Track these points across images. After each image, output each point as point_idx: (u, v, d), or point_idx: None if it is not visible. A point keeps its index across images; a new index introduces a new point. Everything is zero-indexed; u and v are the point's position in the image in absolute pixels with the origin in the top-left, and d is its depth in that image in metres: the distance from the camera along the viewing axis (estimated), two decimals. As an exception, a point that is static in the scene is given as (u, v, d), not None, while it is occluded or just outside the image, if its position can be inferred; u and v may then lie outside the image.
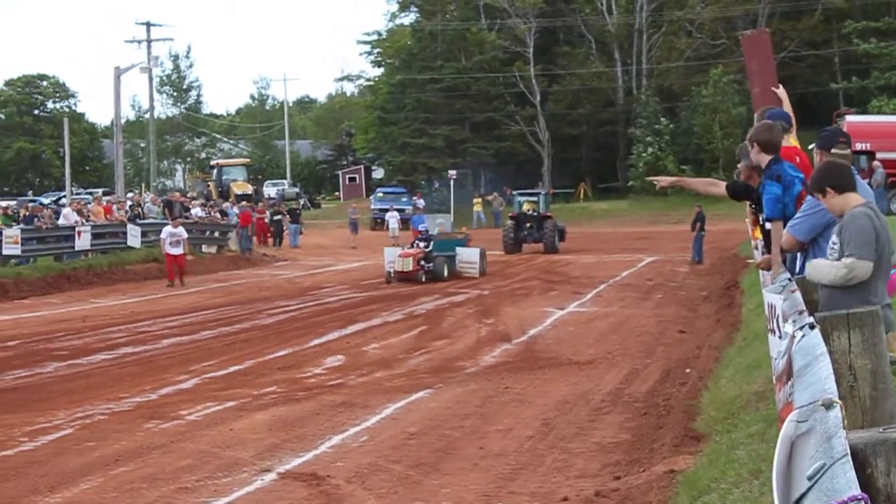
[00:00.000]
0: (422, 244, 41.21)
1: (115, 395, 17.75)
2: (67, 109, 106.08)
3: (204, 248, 52.69)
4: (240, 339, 24.94)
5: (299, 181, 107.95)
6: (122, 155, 65.58)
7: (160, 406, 16.84)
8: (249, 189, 79.79)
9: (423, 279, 39.43)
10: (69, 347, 23.80)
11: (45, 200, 62.93)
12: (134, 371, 20.47)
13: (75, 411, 16.38)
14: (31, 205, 48.63)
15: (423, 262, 40.06)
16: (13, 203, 50.05)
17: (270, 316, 29.63)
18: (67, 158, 64.89)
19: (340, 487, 11.93)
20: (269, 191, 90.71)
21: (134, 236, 46.07)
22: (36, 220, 42.50)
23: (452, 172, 50.23)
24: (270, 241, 61.63)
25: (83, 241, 43.25)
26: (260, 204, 69.17)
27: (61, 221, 43.62)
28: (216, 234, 54.84)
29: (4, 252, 39.15)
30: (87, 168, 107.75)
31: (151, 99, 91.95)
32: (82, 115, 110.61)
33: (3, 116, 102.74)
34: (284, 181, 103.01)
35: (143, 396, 17.74)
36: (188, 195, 69.76)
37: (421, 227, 44.63)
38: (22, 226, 41.05)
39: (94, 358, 22.16)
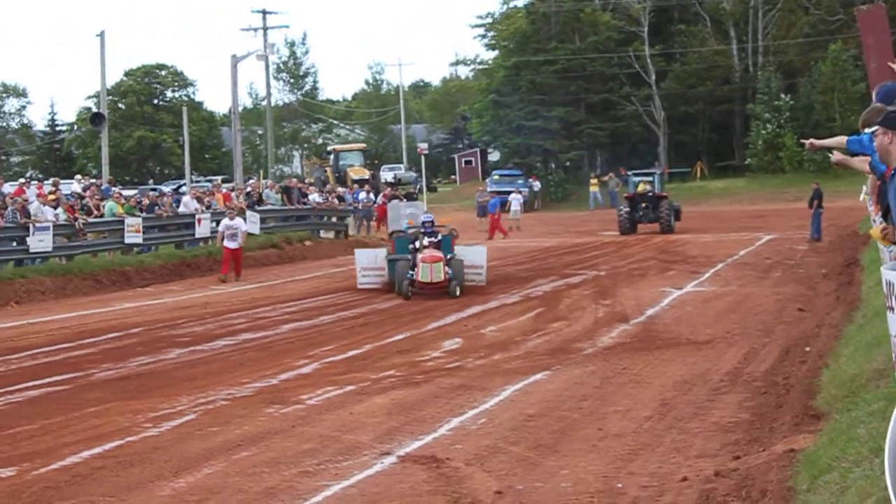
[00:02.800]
0: (426, 239, 30.48)
1: (236, 381, 17.99)
2: (186, 98, 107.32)
3: (322, 234, 53.07)
4: (358, 323, 25.14)
5: (416, 165, 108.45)
6: (241, 142, 66.17)
7: (281, 391, 17.04)
8: (366, 174, 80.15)
9: (458, 292, 29.52)
10: (191, 334, 24.15)
11: (166, 189, 63.76)
12: (254, 356, 20.72)
13: (198, 397, 16.63)
14: (151, 193, 49.30)
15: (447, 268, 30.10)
16: (135, 192, 50.78)
17: (388, 301, 29.78)
18: (187, 147, 65.65)
19: (460, 470, 12.00)
20: (386, 175, 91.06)
21: (253, 223, 46.44)
22: (157, 208, 43.08)
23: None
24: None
25: (203, 229, 43.73)
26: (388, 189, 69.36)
27: (181, 209, 44.15)
28: (334, 219, 55.18)
29: (127, 241, 39.76)
30: (207, 156, 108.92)
31: (268, 86, 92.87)
32: (200, 103, 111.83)
33: (123, 106, 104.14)
34: (401, 165, 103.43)
35: (264, 381, 17.96)
36: (305, 181, 70.30)
37: (426, 218, 31.84)
38: (143, 214, 41.62)
39: (216, 344, 22.46)
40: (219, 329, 24.83)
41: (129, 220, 39.89)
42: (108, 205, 40.77)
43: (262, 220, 47.33)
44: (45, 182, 47.07)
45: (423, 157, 41.45)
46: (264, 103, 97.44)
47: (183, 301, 31.40)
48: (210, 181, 67.29)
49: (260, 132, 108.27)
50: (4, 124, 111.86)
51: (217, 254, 40.53)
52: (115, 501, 11.20)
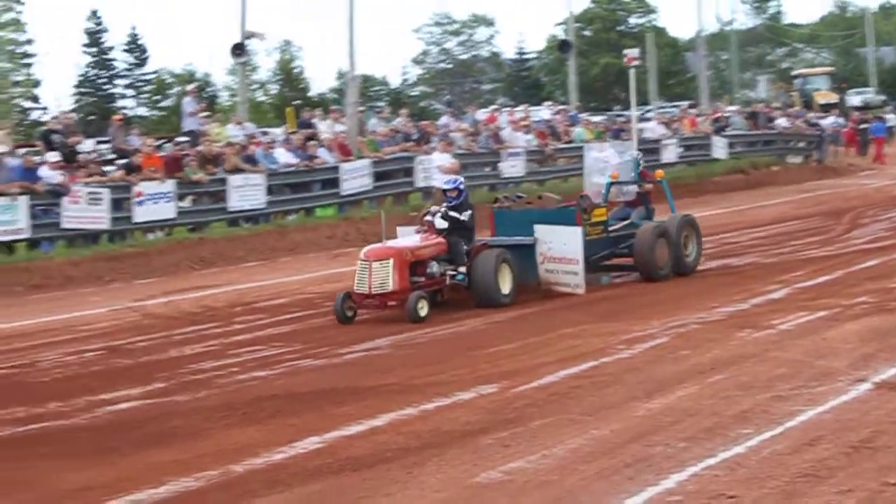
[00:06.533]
0: (438, 221, 19.53)
1: (706, 306, 18.10)
2: (650, 24, 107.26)
3: (789, 159, 52.23)
4: (829, 250, 24.67)
5: (886, 89, 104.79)
6: (706, 67, 65.82)
7: (751, 316, 17.06)
8: (834, 98, 78.09)
9: (422, 312, 17.93)
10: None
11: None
12: (724, 281, 20.79)
13: (669, 320, 16.83)
14: (618, 119, 49.77)
15: (436, 269, 19.09)
16: (602, 118, 51.37)
17: (862, 226, 29.08)
18: (652, 73, 65.74)
19: (940, 398, 11.76)
20: (853, 99, 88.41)
21: (719, 148, 46.38)
22: (622, 134, 43.49)
23: None
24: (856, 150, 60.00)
25: (670, 154, 43.98)
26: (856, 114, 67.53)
27: (646, 135, 44.41)
28: (801, 144, 54.17)
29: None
30: (672, 81, 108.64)
31: (733, 11, 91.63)
32: (664, 29, 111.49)
33: (590, 33, 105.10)
34: (869, 89, 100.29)
35: (734, 306, 18.01)
36: (771, 105, 69.28)
37: (445, 183, 20.66)
38: (611, 140, 42.10)
39: (684, 269, 22.59)
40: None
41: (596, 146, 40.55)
42: (577, 131, 41.53)
43: (729, 146, 47.11)
44: (516, 109, 48.22)
45: (631, 70, 31.51)
46: (729, 28, 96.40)
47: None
48: (676, 107, 67.27)
49: (724, 57, 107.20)
50: (475, 53, 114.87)
51: (683, 178, 40.65)
52: (591, 420, 11.53)
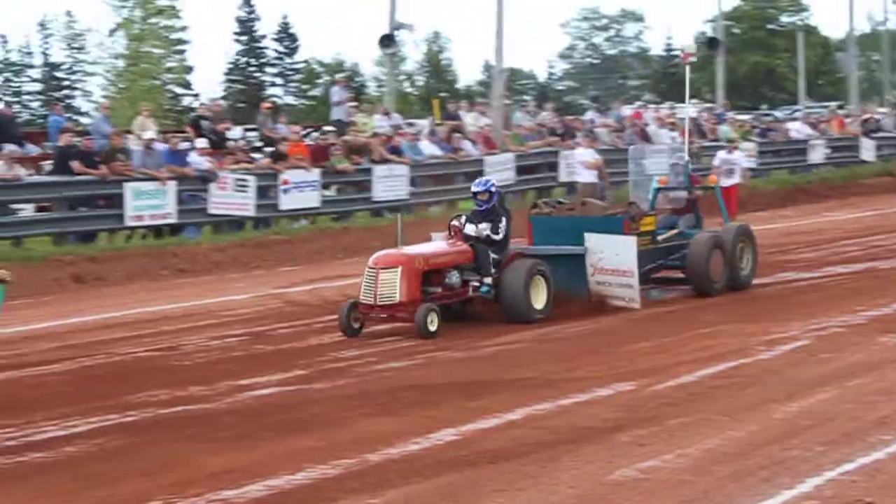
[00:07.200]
0: (470, 227, 17.78)
1: (849, 308, 17.86)
2: (800, 23, 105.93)
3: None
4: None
5: None
6: (856, 68, 64.93)
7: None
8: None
9: (432, 326, 16.23)
10: (803, 260, 24.09)
11: (779, 114, 63.61)
12: (869, 285, 20.43)
13: (810, 322, 16.66)
14: (765, 118, 49.32)
15: (456, 280, 17.31)
16: (749, 117, 50.92)
17: None
18: (801, 72, 65.10)
19: None
20: None
21: (868, 150, 45.68)
22: (771, 133, 43.12)
23: None
24: None
25: (817, 155, 43.48)
26: None
27: (793, 135, 44.00)
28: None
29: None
30: (821, 81, 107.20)
31: (885, 11, 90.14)
32: (815, 28, 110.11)
33: (739, 31, 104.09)
34: None
35: (878, 310, 17.75)
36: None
37: (475, 185, 18.32)
38: (758, 139, 41.77)
39: (829, 270, 22.37)
40: (832, 256, 24.62)
41: (744, 145, 40.18)
42: (723, 129, 41.22)
43: (878, 148, 46.39)
44: (662, 105, 48.02)
45: (686, 67, 27.63)
46: (881, 28, 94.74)
47: (795, 227, 31.28)
48: (825, 107, 66.50)
49: (875, 58, 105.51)
50: (623, 48, 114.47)
51: (830, 180, 40.24)
52: (728, 420, 11.48)
